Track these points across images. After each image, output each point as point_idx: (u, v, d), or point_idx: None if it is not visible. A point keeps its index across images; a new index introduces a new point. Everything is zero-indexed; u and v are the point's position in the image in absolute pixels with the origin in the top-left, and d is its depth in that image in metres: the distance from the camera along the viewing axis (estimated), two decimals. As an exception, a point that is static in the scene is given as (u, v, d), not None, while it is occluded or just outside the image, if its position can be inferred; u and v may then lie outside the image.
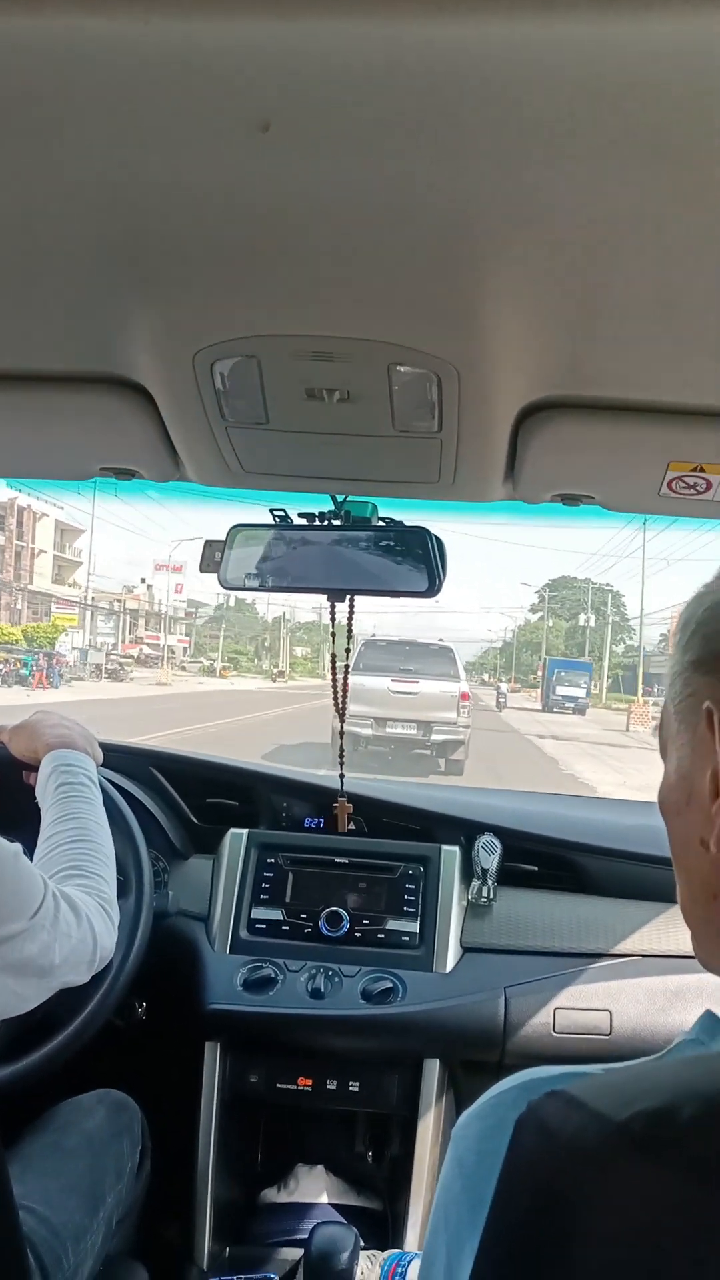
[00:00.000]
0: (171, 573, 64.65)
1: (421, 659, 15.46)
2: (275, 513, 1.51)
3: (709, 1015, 0.54)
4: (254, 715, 23.83)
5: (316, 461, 1.26)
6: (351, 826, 2.07)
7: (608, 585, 79.53)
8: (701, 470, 1.17)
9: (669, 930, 1.84)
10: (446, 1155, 0.53)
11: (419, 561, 1.44)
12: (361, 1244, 1.57)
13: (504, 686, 42.91)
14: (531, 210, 0.73)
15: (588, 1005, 1.75)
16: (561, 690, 41.43)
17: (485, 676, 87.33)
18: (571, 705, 40.71)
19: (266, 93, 0.62)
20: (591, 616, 72.63)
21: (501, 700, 37.61)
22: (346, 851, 1.96)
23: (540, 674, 57.49)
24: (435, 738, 14.57)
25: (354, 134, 0.66)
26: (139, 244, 0.81)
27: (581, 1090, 0.40)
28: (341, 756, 1.95)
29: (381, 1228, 1.80)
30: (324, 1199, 1.87)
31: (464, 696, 15.01)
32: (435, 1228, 0.53)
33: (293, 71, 0.60)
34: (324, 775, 2.15)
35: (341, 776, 1.98)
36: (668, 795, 0.63)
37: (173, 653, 62.34)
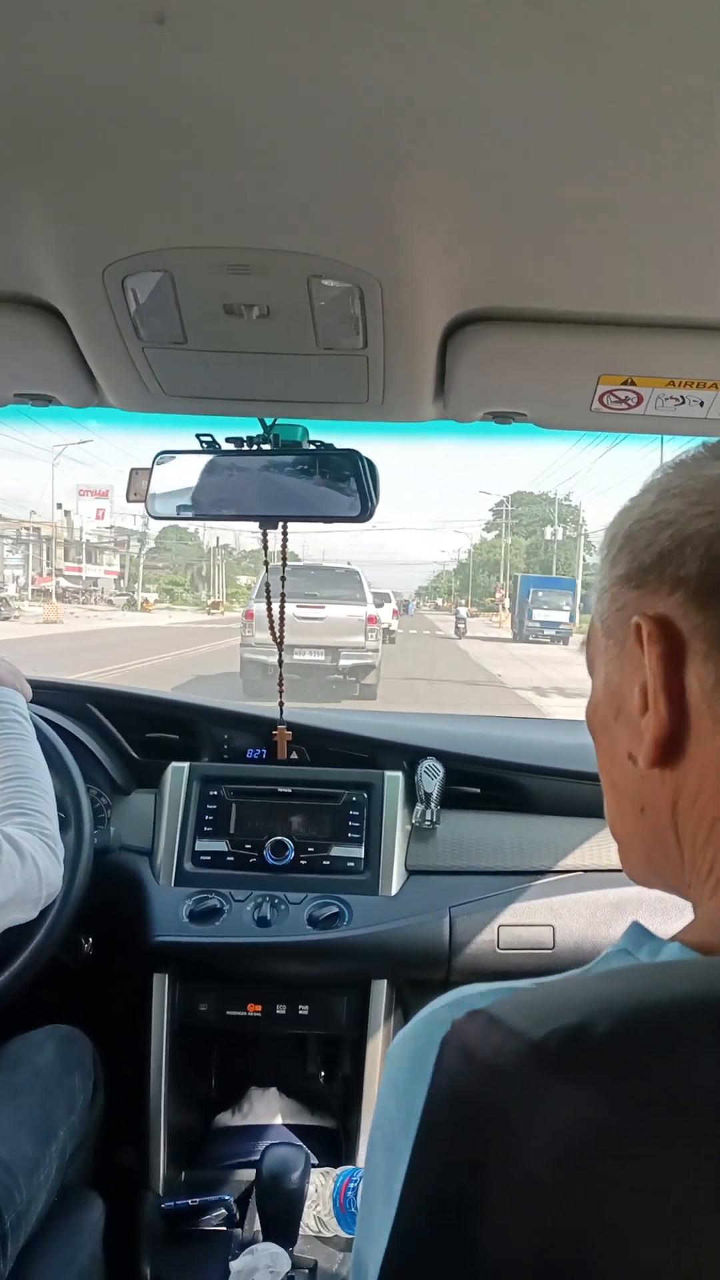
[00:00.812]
0: (95, 498, 58.29)
1: (328, 584, 14.97)
2: (202, 438, 1.46)
3: (636, 926, 0.54)
4: (165, 656, 19.22)
5: (240, 382, 1.22)
6: (295, 756, 2.07)
7: (567, 499, 73.67)
8: (632, 383, 1.15)
9: (609, 845, 1.87)
10: (382, 1074, 0.53)
11: (351, 485, 1.41)
12: (314, 1161, 1.60)
13: (463, 611, 37.91)
14: (449, 110, 0.69)
15: (530, 921, 1.78)
16: (540, 615, 34.40)
17: (439, 601, 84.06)
18: (552, 632, 33.40)
19: None
20: (559, 530, 64.25)
21: (461, 627, 34.39)
22: (289, 780, 1.96)
23: (501, 596, 53.01)
24: (343, 663, 14.26)
25: (256, 29, 0.62)
26: (36, 149, 0.76)
27: (501, 1008, 0.39)
28: (281, 685, 1.94)
29: (335, 1145, 1.84)
30: (278, 1120, 1.90)
31: (371, 620, 14.64)
32: (373, 1144, 0.53)
33: None
34: (264, 706, 2.14)
35: (281, 705, 1.97)
36: (595, 711, 0.63)
37: (94, 585, 56.09)
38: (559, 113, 0.69)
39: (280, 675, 1.91)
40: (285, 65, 0.65)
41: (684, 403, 1.17)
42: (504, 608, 49.38)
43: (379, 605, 26.58)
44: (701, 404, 1.18)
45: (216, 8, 0.60)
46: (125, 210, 0.85)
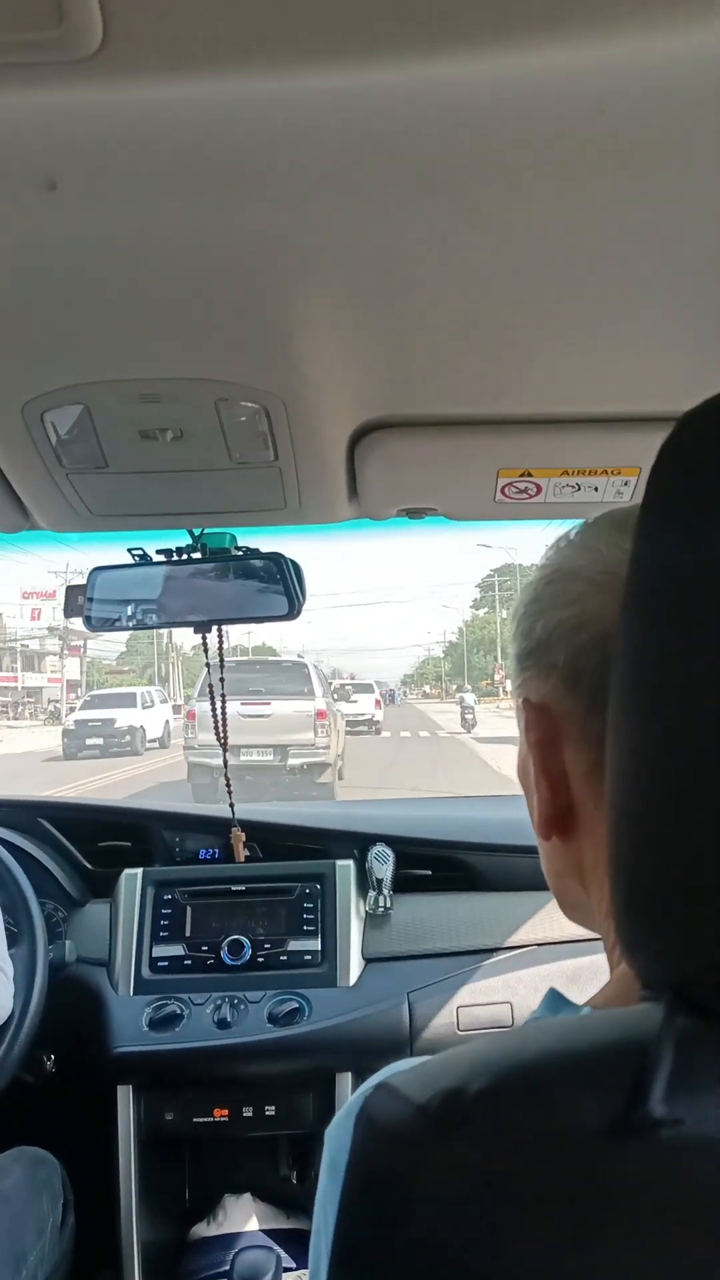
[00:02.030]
0: (42, 600, 50.65)
1: (272, 678, 14.21)
2: (134, 552, 1.52)
3: (552, 993, 0.56)
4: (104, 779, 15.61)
5: (163, 499, 1.28)
6: (247, 854, 2.09)
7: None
8: (530, 475, 1.23)
9: (560, 917, 1.89)
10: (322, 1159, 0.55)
11: (277, 585, 1.48)
12: (290, 1265, 1.58)
13: (469, 697, 29.68)
14: (327, 243, 0.77)
15: (489, 1000, 1.79)
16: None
17: (427, 689, 74.82)
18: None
19: (49, 154, 0.65)
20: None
21: (469, 718, 26.92)
22: (242, 878, 1.97)
23: (502, 678, 46.49)
24: (292, 761, 13.39)
25: (141, 187, 0.69)
26: None
27: (399, 1078, 0.42)
28: (229, 785, 1.97)
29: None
30: (253, 1226, 1.87)
31: (320, 715, 13.69)
32: (316, 1229, 0.55)
33: (72, 133, 0.63)
34: (214, 807, 2.16)
35: (231, 805, 2.00)
36: (520, 778, 0.66)
37: (31, 696, 47.36)
38: (424, 241, 0.77)
39: (226, 776, 1.94)
40: (171, 218, 0.73)
41: (579, 489, 1.25)
42: (504, 691, 44.17)
43: (357, 696, 26.10)
44: (596, 489, 1.26)
45: (103, 171, 0.67)
46: (38, 352, 0.92)
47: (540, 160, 0.68)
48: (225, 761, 1.98)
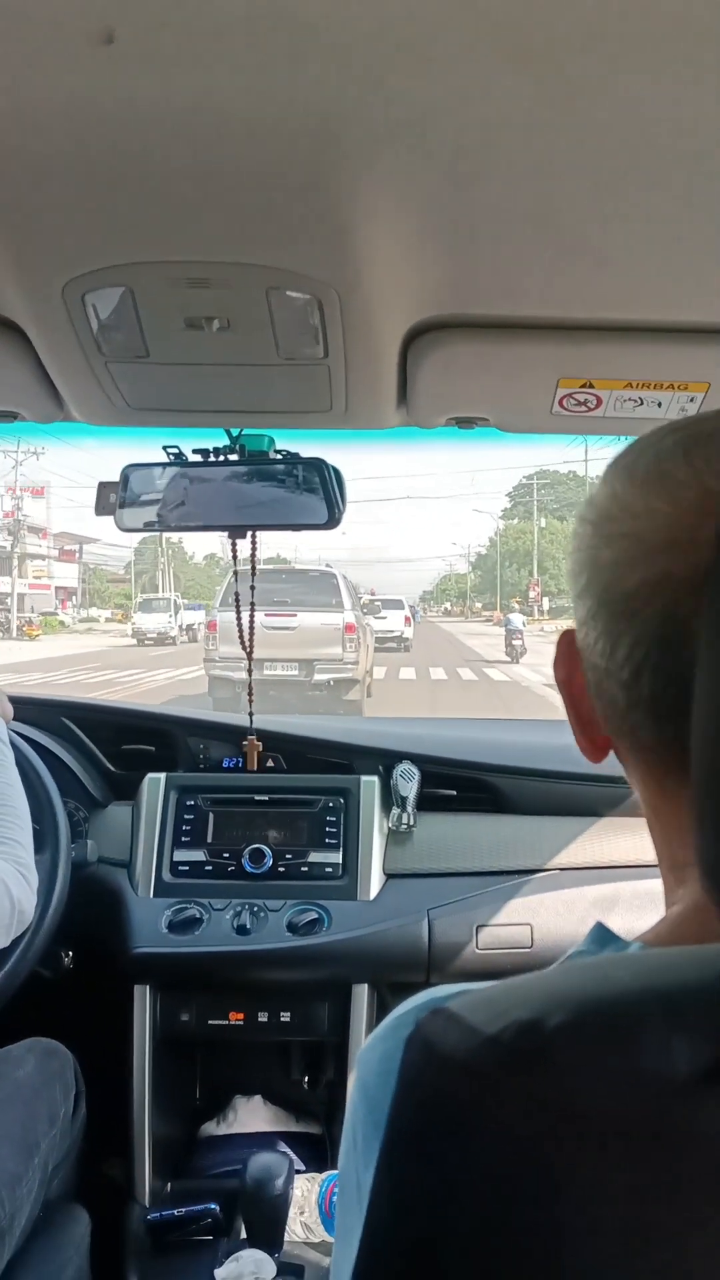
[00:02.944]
0: (34, 496, 45.77)
1: (300, 588, 13.31)
2: (169, 450, 1.48)
3: (599, 927, 0.54)
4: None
5: (204, 394, 1.23)
6: (270, 764, 2.08)
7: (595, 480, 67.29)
8: (591, 386, 1.17)
9: (585, 843, 1.89)
10: (352, 1079, 0.54)
11: (317, 493, 1.43)
12: (300, 1168, 1.61)
13: (517, 619, 24.42)
14: (399, 120, 0.71)
15: (509, 921, 1.79)
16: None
17: (449, 605, 68.27)
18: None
19: (106, 2, 0.59)
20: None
21: (517, 644, 22.79)
22: (266, 788, 1.96)
23: (538, 596, 43.80)
24: (318, 677, 12.76)
25: (203, 46, 0.63)
26: None
27: (461, 1005, 0.40)
28: (250, 694, 1.95)
29: (320, 1151, 1.85)
30: (263, 1128, 1.91)
31: (349, 629, 12.97)
32: (345, 1150, 0.54)
33: None
34: (240, 717, 2.14)
35: (250, 715, 1.98)
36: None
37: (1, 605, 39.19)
38: (505, 122, 0.71)
39: (250, 685, 1.92)
40: (233, 81, 0.67)
41: (642, 404, 1.19)
42: (540, 610, 42.49)
43: (388, 612, 25.72)
44: (659, 404, 1.19)
45: (163, 27, 0.61)
46: (83, 228, 0.86)
47: (639, 33, 0.61)
48: (250, 671, 1.96)
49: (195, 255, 0.90)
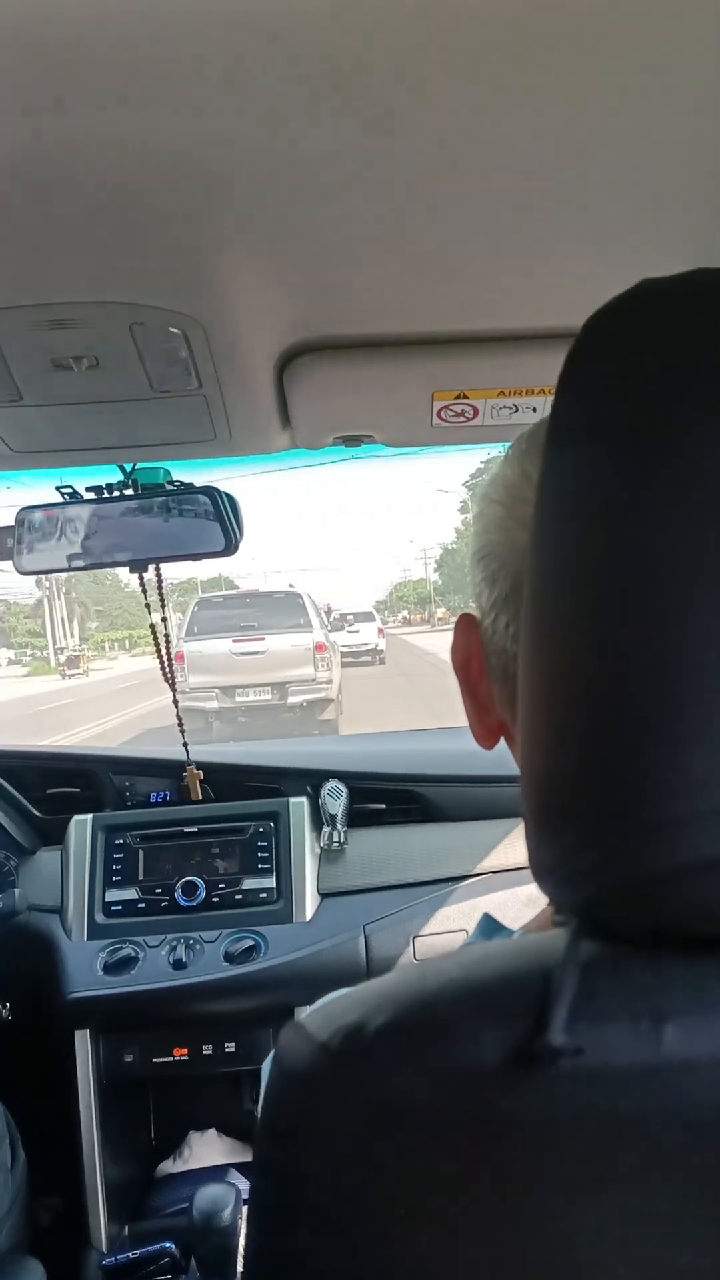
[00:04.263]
0: None
1: (266, 611, 13.27)
2: (62, 490, 1.47)
3: (485, 918, 0.56)
4: None
5: (85, 433, 1.23)
6: (204, 795, 2.07)
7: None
8: (465, 397, 1.19)
9: (514, 844, 1.91)
10: None
11: (213, 520, 1.44)
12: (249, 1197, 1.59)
13: None
14: (238, 154, 0.72)
15: (444, 929, 1.80)
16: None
17: (407, 614, 63.37)
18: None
19: None
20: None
21: None
22: (195, 819, 1.95)
23: None
24: (293, 699, 12.64)
25: (34, 84, 0.64)
26: None
27: (309, 1016, 0.42)
28: (181, 725, 1.94)
29: None
30: (220, 1160, 1.89)
31: (319, 648, 12.82)
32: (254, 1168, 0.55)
33: None
34: (165, 750, 2.13)
35: (185, 745, 1.97)
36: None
37: None
38: (332, 151, 0.72)
39: (178, 715, 1.92)
40: (70, 127, 0.67)
41: (517, 410, 1.22)
42: None
43: (360, 625, 25.49)
44: (534, 410, 1.22)
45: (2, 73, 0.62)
46: None
47: (448, 59, 0.63)
48: (176, 701, 1.96)
49: (53, 297, 0.90)
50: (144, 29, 0.59)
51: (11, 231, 0.80)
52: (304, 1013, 0.49)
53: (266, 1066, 0.53)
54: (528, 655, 0.40)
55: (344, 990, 0.45)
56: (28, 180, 0.73)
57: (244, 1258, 0.43)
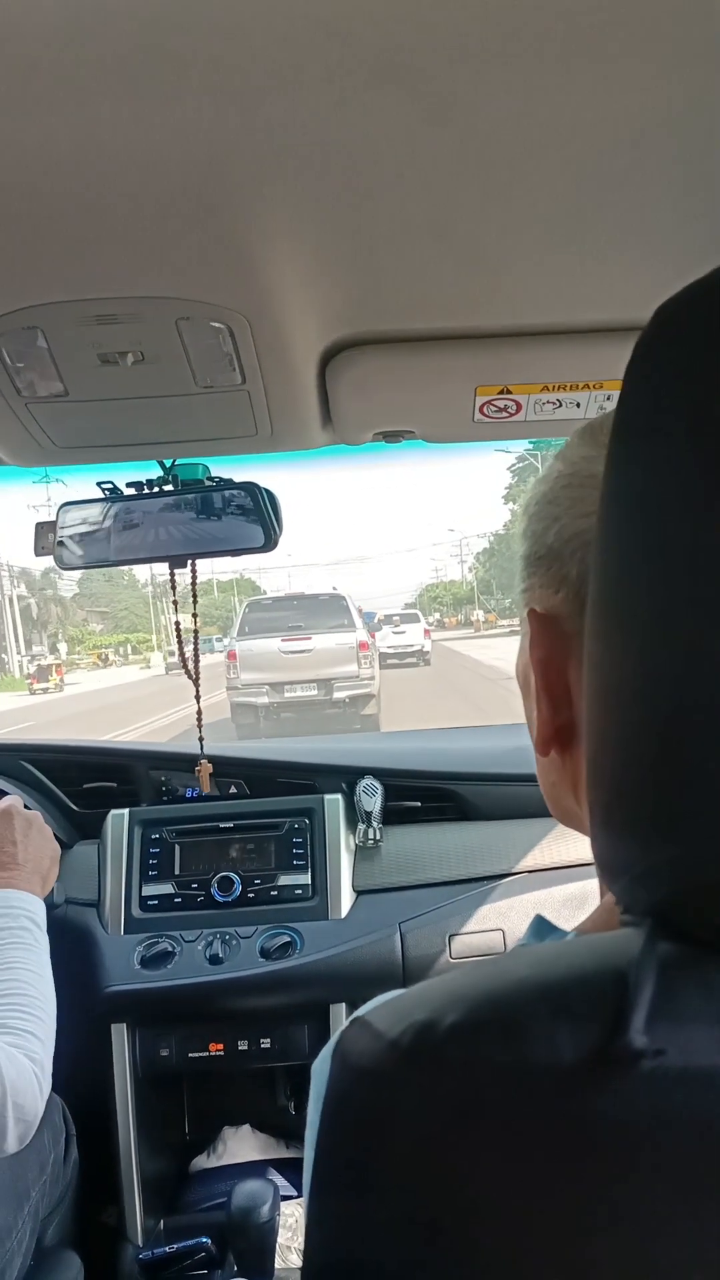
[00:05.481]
0: None
1: (312, 613, 14.47)
2: (103, 485, 1.48)
3: (538, 919, 0.55)
4: None
5: (129, 428, 1.23)
6: (234, 790, 2.08)
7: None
8: (509, 392, 1.18)
9: (551, 844, 1.90)
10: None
11: (253, 517, 1.44)
12: (289, 1192, 1.60)
13: None
14: (284, 146, 0.72)
15: (480, 927, 1.79)
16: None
17: (441, 615, 58.33)
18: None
19: None
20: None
21: None
22: (230, 815, 1.96)
23: None
24: (338, 694, 13.57)
25: (82, 86, 0.64)
26: None
27: (373, 1013, 0.41)
28: (200, 719, 1.95)
29: None
30: (254, 1156, 1.89)
31: (363, 646, 13.91)
32: (306, 1162, 0.54)
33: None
34: (195, 745, 2.14)
35: (200, 740, 1.98)
36: (518, 675, 0.62)
37: None
38: (385, 140, 0.72)
39: (199, 712, 1.93)
40: (118, 119, 0.67)
41: (561, 405, 1.21)
42: None
43: (406, 626, 25.98)
44: (578, 405, 1.21)
45: (34, 70, 0.62)
46: None
47: (507, 45, 0.63)
48: (198, 696, 1.95)
49: (100, 292, 0.91)
50: (198, 23, 0.59)
51: (54, 226, 0.80)
52: (363, 1009, 0.49)
53: (321, 1064, 0.52)
54: (597, 651, 0.40)
55: (403, 989, 0.45)
56: (66, 173, 0.73)
57: (305, 1252, 0.42)
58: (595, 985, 0.37)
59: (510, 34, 0.62)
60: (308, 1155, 0.52)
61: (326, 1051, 0.51)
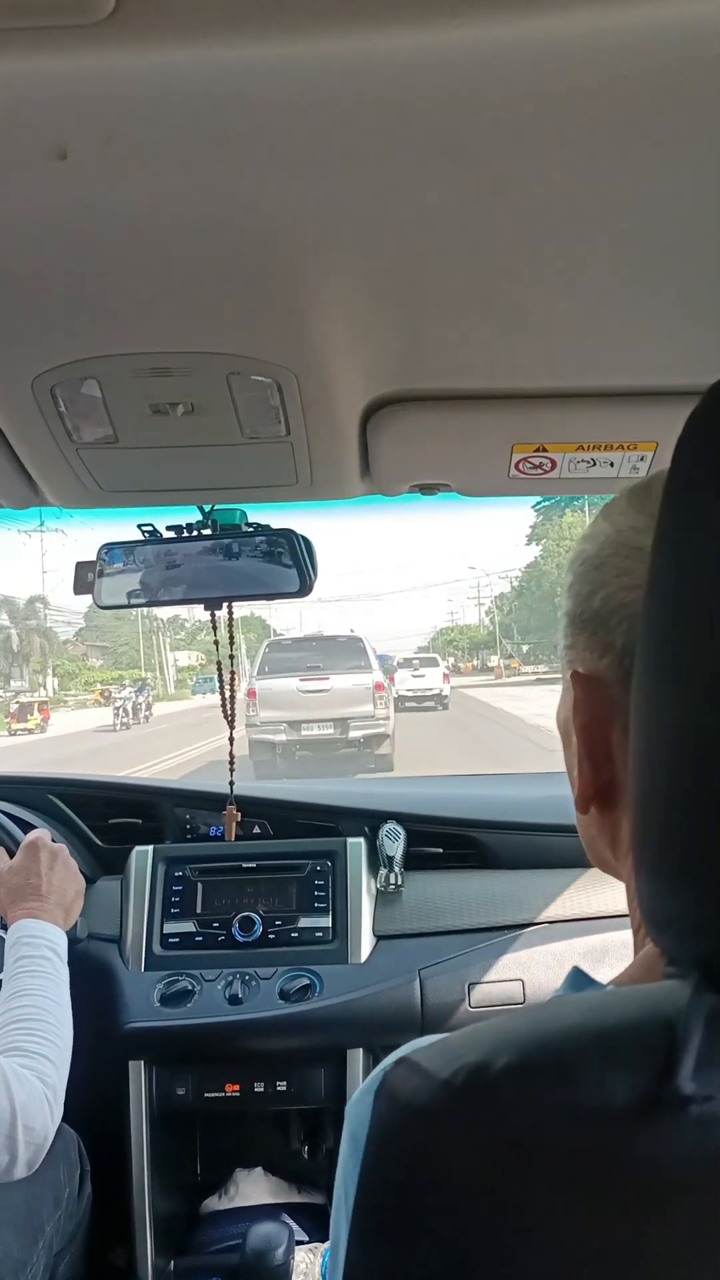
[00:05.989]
0: None
1: (329, 653, 14.86)
2: (143, 528, 1.52)
3: (575, 971, 0.56)
4: None
5: (174, 475, 1.27)
6: (257, 830, 2.09)
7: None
8: (544, 450, 1.21)
9: (573, 895, 1.90)
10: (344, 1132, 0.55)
11: (288, 562, 1.47)
12: (302, 1238, 1.59)
13: None
14: (340, 214, 0.76)
15: (500, 977, 1.79)
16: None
17: (456, 660, 57.20)
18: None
19: (60, 122, 0.64)
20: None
21: None
22: (253, 855, 1.97)
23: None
24: (353, 734, 13.94)
25: (151, 156, 0.68)
26: None
27: (421, 1053, 0.42)
28: (231, 763, 1.96)
29: (323, 1221, 1.82)
30: (266, 1199, 1.88)
31: (379, 687, 14.31)
32: (336, 1204, 0.55)
33: (83, 100, 0.61)
34: (224, 786, 2.16)
35: (231, 784, 1.99)
36: (560, 726, 0.64)
37: None
38: (439, 212, 0.76)
39: (231, 754, 1.94)
40: (180, 185, 0.72)
41: (595, 465, 1.24)
42: None
43: (425, 669, 26.07)
44: (611, 464, 1.24)
45: (110, 141, 0.66)
46: (47, 325, 0.90)
47: (558, 127, 0.67)
48: (231, 739, 1.97)
49: (156, 346, 0.95)
50: (265, 104, 0.63)
51: (117, 283, 0.84)
52: (403, 1051, 0.50)
53: (359, 1106, 0.53)
54: (646, 708, 0.42)
55: (447, 1033, 0.46)
56: (132, 234, 0.77)
57: None
58: (645, 1033, 0.38)
59: (567, 119, 0.66)
60: (344, 1198, 0.53)
61: (363, 1093, 0.53)
